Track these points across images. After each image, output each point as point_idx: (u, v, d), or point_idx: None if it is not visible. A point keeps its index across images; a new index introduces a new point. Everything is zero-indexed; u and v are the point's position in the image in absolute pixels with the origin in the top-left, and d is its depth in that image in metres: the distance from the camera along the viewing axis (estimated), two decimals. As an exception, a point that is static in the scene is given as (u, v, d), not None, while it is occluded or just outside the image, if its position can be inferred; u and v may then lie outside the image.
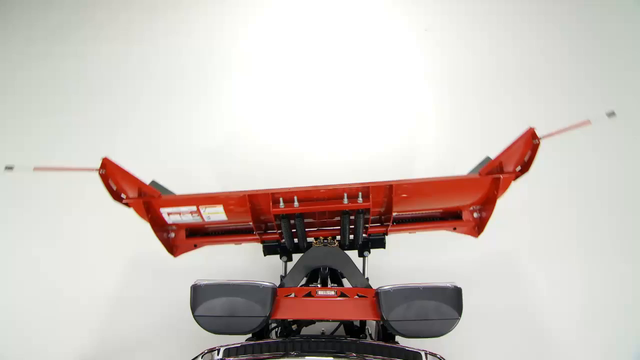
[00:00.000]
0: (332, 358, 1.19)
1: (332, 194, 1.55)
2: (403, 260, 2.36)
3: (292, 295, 1.37)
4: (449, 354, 1.26)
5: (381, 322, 1.31)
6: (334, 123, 2.91)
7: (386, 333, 1.47)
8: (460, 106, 2.93)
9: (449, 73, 3.04)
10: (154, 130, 2.86)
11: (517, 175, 1.57)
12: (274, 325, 1.64)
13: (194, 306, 1.23)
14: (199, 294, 1.24)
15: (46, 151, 2.78)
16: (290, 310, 1.32)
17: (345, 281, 1.72)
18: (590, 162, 2.64)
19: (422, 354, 1.21)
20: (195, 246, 1.80)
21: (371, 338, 1.66)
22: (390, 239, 1.78)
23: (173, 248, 1.78)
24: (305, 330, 1.68)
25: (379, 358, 1.20)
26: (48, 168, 1.50)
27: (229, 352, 1.21)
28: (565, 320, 2.27)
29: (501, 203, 2.32)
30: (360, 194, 1.53)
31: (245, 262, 2.39)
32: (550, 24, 3.06)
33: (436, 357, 1.22)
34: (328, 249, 1.60)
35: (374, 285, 1.42)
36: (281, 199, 1.54)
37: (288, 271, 1.77)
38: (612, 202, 2.54)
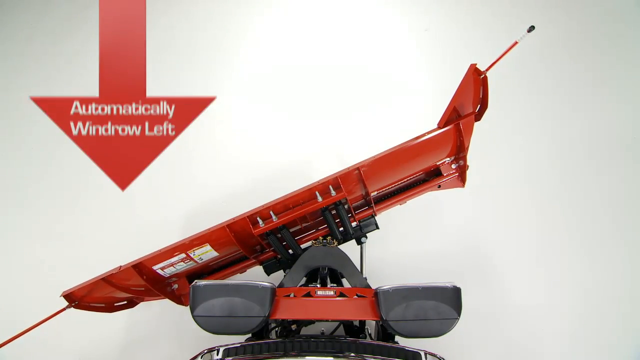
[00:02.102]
0: (331, 358, 1.19)
1: (306, 196, 1.55)
2: (403, 260, 2.36)
3: (292, 295, 1.37)
4: (448, 354, 1.26)
5: (380, 322, 1.31)
6: (334, 122, 2.91)
7: (385, 333, 1.47)
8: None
9: (449, 73, 3.03)
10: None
11: (478, 114, 1.56)
12: (273, 325, 1.64)
13: (193, 306, 1.23)
14: (198, 294, 1.24)
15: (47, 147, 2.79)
16: (289, 310, 1.32)
17: (344, 281, 1.72)
18: (589, 161, 2.64)
19: (422, 353, 1.21)
20: None
21: (371, 338, 1.66)
22: (389, 222, 1.79)
23: (181, 298, 1.80)
24: (304, 330, 1.68)
25: (378, 358, 1.21)
26: None
27: (228, 352, 1.22)
28: (565, 320, 2.27)
29: (502, 202, 2.33)
30: (331, 187, 1.54)
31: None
32: (551, 24, 3.06)
33: (435, 357, 1.22)
34: (327, 248, 1.60)
35: (373, 285, 1.42)
36: (259, 218, 1.55)
37: None
38: (612, 199, 2.53)
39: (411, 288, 1.24)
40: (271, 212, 1.55)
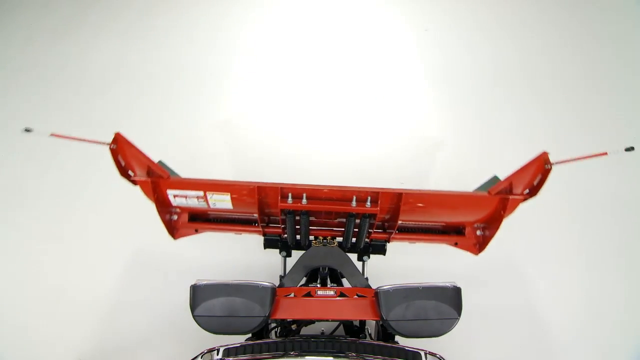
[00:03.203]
0: (331, 358, 1.19)
1: (341, 195, 1.54)
2: (402, 260, 2.36)
3: (292, 295, 1.37)
4: (449, 354, 1.26)
5: (381, 322, 1.31)
6: (333, 122, 2.91)
7: (386, 333, 1.47)
8: (462, 105, 2.93)
9: (449, 72, 3.04)
10: (156, 130, 2.86)
11: (525, 198, 1.56)
12: (273, 325, 1.64)
13: (193, 306, 1.23)
14: (199, 294, 1.23)
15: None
16: (289, 310, 1.31)
17: (344, 281, 1.72)
18: (591, 165, 2.64)
19: (422, 353, 1.21)
20: (197, 231, 1.78)
21: (371, 338, 1.66)
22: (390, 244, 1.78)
23: (174, 230, 1.75)
24: (304, 330, 1.68)
25: (378, 358, 1.20)
26: (64, 136, 1.49)
27: (228, 352, 1.21)
28: (564, 320, 2.27)
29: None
30: (369, 198, 1.52)
31: (246, 261, 2.39)
32: (551, 24, 3.06)
33: (436, 357, 1.22)
34: (327, 248, 1.60)
35: (374, 285, 1.42)
36: (290, 195, 1.52)
37: (286, 268, 1.77)
38: (613, 202, 2.54)
39: (412, 288, 1.24)
40: (304, 194, 1.52)
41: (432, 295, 1.23)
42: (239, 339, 1.37)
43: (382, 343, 1.30)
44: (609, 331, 2.23)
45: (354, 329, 1.65)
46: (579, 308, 2.30)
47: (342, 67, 3.11)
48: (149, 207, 2.56)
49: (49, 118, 2.88)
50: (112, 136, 1.48)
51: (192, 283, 1.26)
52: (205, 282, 1.25)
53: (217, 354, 1.21)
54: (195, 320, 1.23)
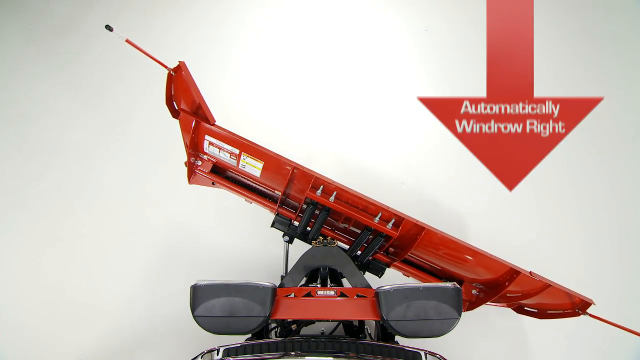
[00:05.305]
0: (331, 358, 1.19)
1: (367, 206, 1.54)
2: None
3: (292, 295, 1.37)
4: (449, 354, 1.26)
5: (381, 322, 1.31)
6: (333, 122, 2.91)
7: (386, 333, 1.47)
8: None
9: (449, 72, 3.03)
10: (156, 130, 2.85)
11: (527, 312, 1.61)
12: (273, 325, 1.64)
13: (193, 306, 1.23)
14: (199, 294, 1.23)
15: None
16: (290, 310, 1.32)
17: (345, 281, 1.72)
18: (591, 159, 2.65)
19: (422, 353, 1.21)
20: (213, 184, 1.77)
21: (370, 338, 1.66)
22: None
23: (192, 174, 1.75)
24: (305, 330, 1.68)
25: (378, 358, 1.20)
26: (137, 46, 1.48)
27: (228, 352, 1.21)
28: (565, 320, 2.26)
29: (505, 199, 2.31)
30: (393, 220, 1.53)
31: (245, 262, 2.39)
32: (552, 25, 3.06)
33: (436, 356, 1.22)
34: (328, 249, 1.60)
35: (374, 285, 1.42)
36: (321, 187, 1.53)
37: (287, 258, 1.79)
38: (613, 197, 2.54)
39: (412, 288, 1.25)
40: (334, 192, 1.53)
41: (433, 296, 1.23)
42: (239, 339, 1.36)
43: (382, 343, 1.31)
44: (609, 331, 2.22)
45: (353, 329, 1.65)
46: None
47: (342, 67, 3.11)
48: (149, 207, 2.58)
49: (50, 118, 2.88)
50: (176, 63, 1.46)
51: (193, 283, 1.26)
52: (205, 283, 1.25)
53: (217, 354, 1.21)
54: (196, 320, 1.23)
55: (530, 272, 1.51)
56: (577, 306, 1.51)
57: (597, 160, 2.65)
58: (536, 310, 1.65)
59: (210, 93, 2.97)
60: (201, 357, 1.21)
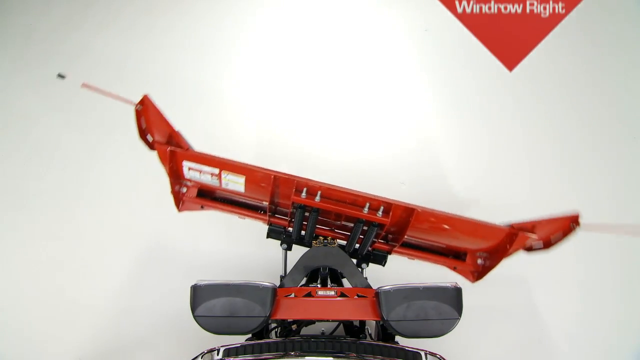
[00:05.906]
0: (332, 358, 1.19)
1: (354, 199, 1.54)
2: (402, 260, 2.36)
3: (292, 295, 1.36)
4: (448, 354, 1.26)
5: (381, 322, 1.31)
6: (332, 121, 2.91)
7: (386, 333, 1.47)
8: (461, 107, 2.92)
9: (449, 72, 3.04)
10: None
11: (538, 247, 1.58)
12: (273, 325, 1.64)
13: (194, 306, 1.23)
14: (199, 294, 1.23)
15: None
16: (290, 310, 1.31)
17: (345, 281, 1.71)
18: (591, 166, 2.65)
19: (422, 354, 1.21)
20: (202, 207, 1.77)
21: (371, 338, 1.66)
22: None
23: (180, 202, 1.75)
24: (305, 330, 1.68)
25: (378, 358, 1.21)
26: (94, 88, 1.50)
27: (228, 352, 1.21)
28: (564, 320, 2.27)
29: (505, 200, 2.32)
30: (381, 208, 1.52)
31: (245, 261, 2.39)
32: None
33: (436, 357, 1.22)
34: (328, 249, 1.59)
35: (374, 285, 1.42)
36: (305, 189, 1.52)
37: (286, 265, 1.76)
38: (613, 198, 2.54)
39: (412, 288, 1.24)
40: (319, 192, 1.52)
41: (433, 296, 1.23)
42: (239, 339, 1.36)
43: (382, 343, 1.31)
44: (608, 331, 2.23)
45: (354, 329, 1.65)
46: (579, 308, 2.30)
47: (342, 67, 3.11)
48: (149, 207, 2.58)
49: (50, 118, 2.88)
50: (140, 98, 1.48)
51: (193, 283, 1.26)
52: (205, 282, 1.25)
53: (217, 354, 1.21)
54: (196, 321, 1.23)
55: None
56: (570, 224, 1.50)
57: (598, 160, 2.65)
58: (542, 246, 1.62)
59: (210, 93, 3.01)
60: (201, 357, 1.21)
